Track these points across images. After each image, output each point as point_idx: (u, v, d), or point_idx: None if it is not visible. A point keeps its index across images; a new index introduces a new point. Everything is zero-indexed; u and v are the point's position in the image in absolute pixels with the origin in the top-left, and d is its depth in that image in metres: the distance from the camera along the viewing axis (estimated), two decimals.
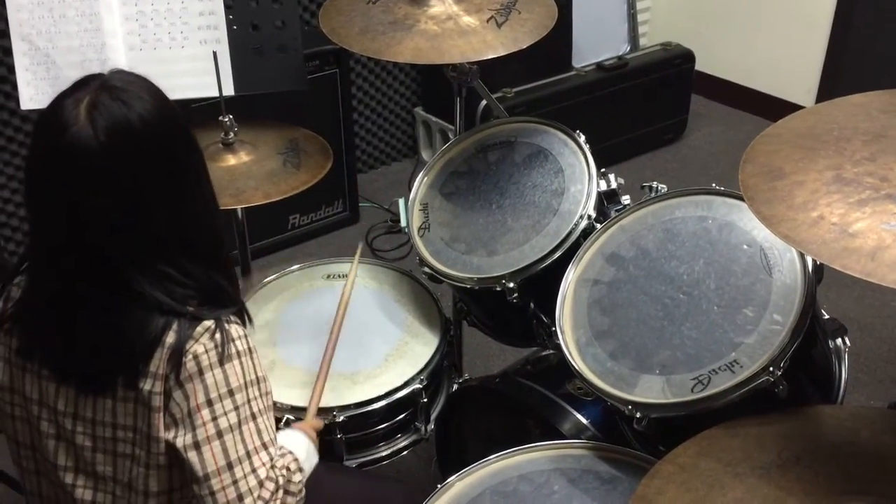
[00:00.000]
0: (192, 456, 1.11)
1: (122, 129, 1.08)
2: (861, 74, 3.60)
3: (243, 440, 1.13)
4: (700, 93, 4.05)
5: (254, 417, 1.15)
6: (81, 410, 1.17)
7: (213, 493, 1.11)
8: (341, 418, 1.61)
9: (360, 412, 1.64)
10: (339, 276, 1.96)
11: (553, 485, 1.39)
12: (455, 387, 1.83)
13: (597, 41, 3.72)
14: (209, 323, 1.13)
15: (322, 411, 1.58)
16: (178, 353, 1.11)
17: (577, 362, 1.45)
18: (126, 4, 1.87)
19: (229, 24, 1.91)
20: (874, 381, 2.55)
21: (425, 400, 1.71)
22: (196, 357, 1.11)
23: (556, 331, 1.50)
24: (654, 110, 3.75)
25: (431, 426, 1.77)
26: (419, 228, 1.81)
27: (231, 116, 1.89)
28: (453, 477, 1.41)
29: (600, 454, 1.44)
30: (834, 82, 3.70)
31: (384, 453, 1.73)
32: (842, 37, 3.67)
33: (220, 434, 1.12)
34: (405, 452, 1.76)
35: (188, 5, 1.89)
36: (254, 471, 1.13)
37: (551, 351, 1.84)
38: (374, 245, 3.27)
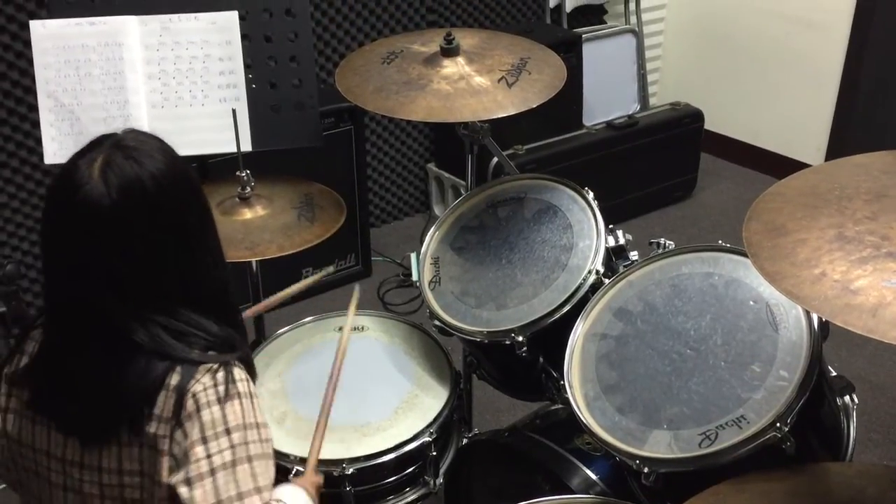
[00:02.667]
0: (183, 492, 1.10)
1: (134, 187, 1.11)
2: (869, 134, 3.65)
3: (236, 480, 1.11)
4: (710, 151, 4.10)
5: (250, 460, 1.13)
6: (88, 459, 1.18)
7: None
8: (350, 470, 1.62)
9: (370, 465, 1.64)
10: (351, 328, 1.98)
11: None
12: (465, 440, 1.83)
13: (607, 100, 3.79)
14: (210, 363, 1.14)
15: (330, 463, 1.59)
16: (180, 394, 1.12)
17: (586, 417, 1.46)
18: (150, 63, 1.93)
19: (248, 82, 1.97)
20: (888, 440, 2.53)
21: (434, 453, 1.72)
22: (195, 395, 1.12)
23: (564, 385, 1.52)
24: (663, 168, 3.79)
25: (440, 480, 1.77)
26: (430, 282, 1.83)
27: (248, 171, 1.94)
28: None
29: None
30: (843, 142, 3.74)
31: None
32: (849, 97, 3.73)
33: (213, 472, 1.10)
34: None
35: (209, 65, 1.96)
36: None
37: (560, 405, 1.84)
38: (385, 299, 3.29)
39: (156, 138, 1.18)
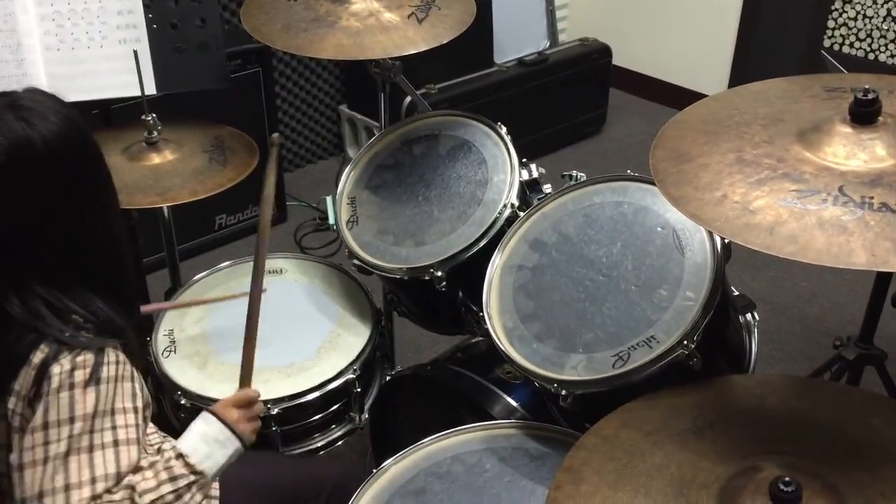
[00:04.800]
0: (16, 477, 1.07)
1: (24, 149, 1.07)
2: (768, 65, 3.77)
3: (66, 471, 1.06)
4: (618, 87, 4.17)
5: (90, 450, 1.08)
6: None
7: None
8: (275, 411, 1.63)
9: (295, 404, 1.66)
10: (269, 271, 1.96)
11: (485, 464, 1.44)
12: (388, 377, 1.86)
13: (517, 37, 3.79)
14: (78, 343, 1.10)
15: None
16: (39, 373, 1.08)
17: (505, 346, 1.50)
18: (41, 4, 1.84)
19: (149, 22, 1.90)
20: (787, 357, 2.69)
21: (359, 390, 1.75)
22: (50, 377, 1.08)
23: (483, 316, 1.55)
24: (574, 104, 3.84)
25: (365, 416, 1.80)
26: (347, 222, 1.83)
27: (154, 115, 1.89)
28: (389, 461, 1.45)
29: (530, 433, 1.50)
30: (743, 73, 3.87)
31: (319, 444, 1.76)
32: (750, 30, 3.84)
33: (45, 460, 1.07)
34: (340, 443, 1.79)
35: (105, 4, 1.88)
36: None
37: (480, 338, 1.89)
38: (302, 243, 3.27)
39: (56, 99, 1.14)
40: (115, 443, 1.10)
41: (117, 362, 1.12)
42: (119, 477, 1.09)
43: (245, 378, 1.40)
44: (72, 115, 1.13)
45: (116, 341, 1.14)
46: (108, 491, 1.08)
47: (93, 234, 1.15)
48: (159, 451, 1.20)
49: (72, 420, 1.08)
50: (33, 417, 1.08)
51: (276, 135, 1.63)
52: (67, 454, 1.07)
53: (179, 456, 1.19)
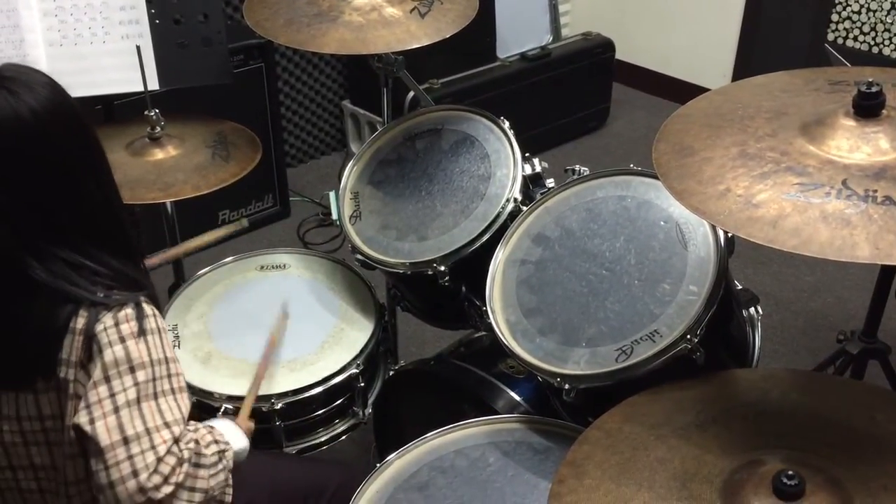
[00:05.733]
0: (89, 430, 1.08)
1: (11, 120, 1.08)
2: (771, 59, 3.76)
3: (142, 416, 1.09)
4: (621, 81, 4.16)
5: (156, 396, 1.11)
6: (6, 410, 1.17)
7: (107, 468, 1.07)
8: (279, 405, 1.64)
9: (298, 398, 1.66)
10: (272, 266, 1.97)
11: (488, 458, 1.44)
12: (391, 372, 1.87)
13: (520, 32, 3.78)
14: (114, 300, 1.13)
15: (259, 399, 1.60)
16: (87, 337, 1.11)
17: (508, 340, 1.50)
18: (44, 0, 1.84)
19: (151, 18, 1.91)
20: (791, 351, 2.68)
21: (362, 385, 1.75)
22: (98, 336, 1.10)
23: (486, 311, 1.55)
24: (577, 99, 3.84)
25: (369, 410, 1.81)
26: (350, 217, 1.83)
27: (157, 111, 1.89)
28: (392, 455, 1.45)
29: (533, 427, 1.50)
30: (747, 67, 3.86)
31: (323, 439, 1.76)
32: (753, 24, 3.83)
33: (116, 410, 1.09)
34: (343, 438, 1.79)
35: (108, 0, 1.88)
36: (153, 447, 1.08)
37: (484, 332, 1.89)
38: (305, 238, 3.27)
39: (39, 72, 1.15)
40: (173, 390, 1.14)
41: (154, 315, 1.16)
42: (185, 421, 1.14)
43: (248, 409, 1.51)
44: (55, 83, 1.14)
45: (144, 293, 1.17)
46: (182, 437, 1.12)
47: (91, 195, 1.17)
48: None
49: (132, 370, 1.10)
50: (91, 375, 1.10)
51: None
52: (139, 401, 1.10)
53: (211, 428, 1.24)
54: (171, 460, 1.09)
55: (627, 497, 1.12)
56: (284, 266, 1.98)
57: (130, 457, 1.07)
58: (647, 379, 1.36)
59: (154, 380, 1.12)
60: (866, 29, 3.53)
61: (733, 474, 1.13)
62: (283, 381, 1.67)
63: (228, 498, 1.32)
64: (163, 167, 1.85)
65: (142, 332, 1.12)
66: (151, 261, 1.66)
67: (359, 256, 1.79)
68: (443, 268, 1.67)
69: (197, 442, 1.15)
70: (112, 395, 1.09)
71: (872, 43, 3.54)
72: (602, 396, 1.38)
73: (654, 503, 1.11)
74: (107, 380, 1.10)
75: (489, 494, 1.38)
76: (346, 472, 1.58)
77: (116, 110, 2.12)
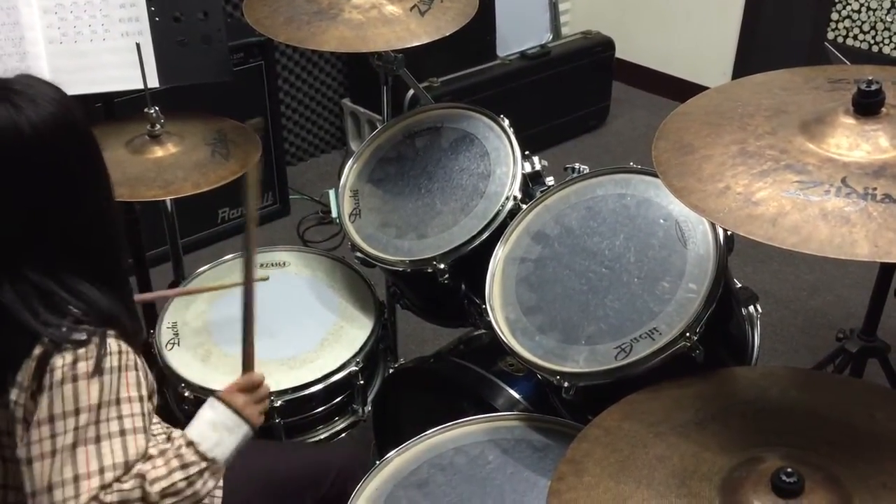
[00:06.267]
0: (25, 470, 1.08)
1: (10, 133, 1.07)
2: (771, 58, 3.76)
3: (74, 462, 1.07)
4: (621, 80, 4.16)
5: (97, 440, 1.09)
6: None
7: None
8: (279, 403, 1.64)
9: (298, 396, 1.66)
10: (271, 264, 1.97)
11: (488, 455, 1.44)
12: (391, 370, 1.87)
13: (520, 30, 3.78)
14: (80, 336, 1.10)
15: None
16: (41, 366, 1.08)
17: (508, 338, 1.51)
18: None
19: (151, 15, 1.90)
20: (790, 350, 2.68)
21: (362, 382, 1.75)
22: (53, 370, 1.08)
23: (486, 309, 1.55)
24: (576, 97, 3.84)
25: (369, 408, 1.81)
26: (350, 215, 1.84)
27: (157, 108, 1.89)
28: (392, 452, 1.45)
29: (532, 425, 1.50)
30: (747, 66, 3.85)
31: (322, 436, 1.77)
32: (753, 22, 3.83)
33: (53, 453, 1.07)
34: (343, 435, 1.80)
35: None
36: (76, 496, 1.06)
37: (483, 330, 1.89)
38: (305, 236, 3.27)
39: (48, 84, 1.13)
40: (122, 432, 1.11)
41: (120, 352, 1.12)
42: (128, 466, 1.10)
43: (248, 362, 1.40)
44: (63, 99, 1.13)
45: (115, 331, 1.14)
46: (118, 480, 1.09)
47: (84, 218, 1.15)
48: (169, 439, 1.21)
49: (77, 412, 1.08)
50: (37, 410, 1.08)
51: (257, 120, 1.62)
52: (75, 445, 1.08)
53: (189, 444, 1.19)
54: None
55: (626, 494, 1.13)
56: (284, 264, 1.98)
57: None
58: (646, 377, 1.36)
59: (97, 422, 1.09)
60: (866, 28, 3.53)
61: (732, 472, 1.13)
62: (283, 378, 1.67)
63: (218, 501, 1.31)
64: (163, 165, 1.84)
65: (98, 372, 1.09)
66: (143, 297, 1.62)
67: (358, 254, 1.79)
68: (442, 266, 1.67)
69: (142, 477, 1.11)
70: (52, 437, 1.08)
71: (872, 42, 3.54)
72: (601, 394, 1.39)
73: (654, 500, 1.11)
74: (50, 420, 1.08)
75: (488, 492, 1.38)
76: (346, 456, 1.56)
77: (116, 108, 2.12)
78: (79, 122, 1.14)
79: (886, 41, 3.50)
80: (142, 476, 1.11)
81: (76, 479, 1.07)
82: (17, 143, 1.08)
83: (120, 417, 1.11)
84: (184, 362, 1.71)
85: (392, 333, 2.09)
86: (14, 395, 1.10)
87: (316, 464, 1.55)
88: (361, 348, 1.75)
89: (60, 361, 1.08)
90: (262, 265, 1.98)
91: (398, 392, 1.85)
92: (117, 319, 1.16)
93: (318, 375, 1.68)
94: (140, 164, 1.84)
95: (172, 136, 1.91)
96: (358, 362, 1.72)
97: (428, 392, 1.84)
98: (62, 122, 1.11)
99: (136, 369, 1.15)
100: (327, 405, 1.74)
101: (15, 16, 1.82)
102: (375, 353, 1.83)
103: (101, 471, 1.08)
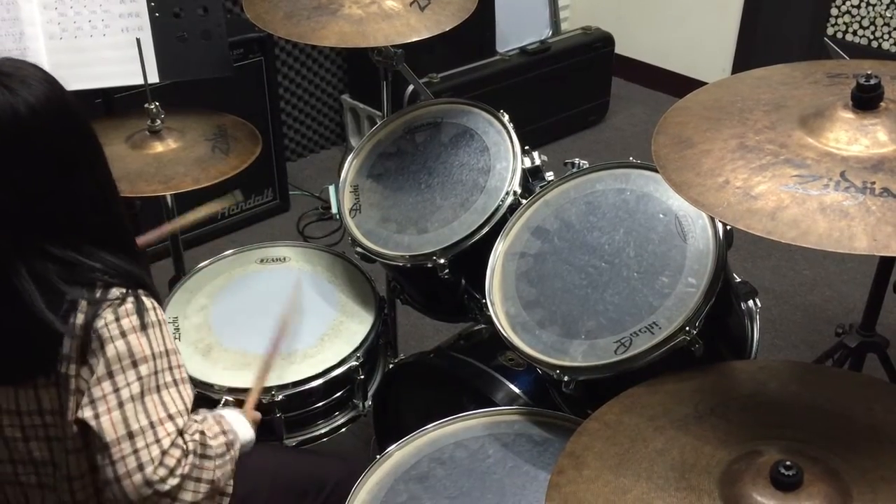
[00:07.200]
0: (94, 425, 1.10)
1: (7, 116, 1.08)
2: (771, 54, 3.76)
3: (146, 410, 1.11)
4: (620, 75, 4.16)
5: (158, 389, 1.13)
6: (6, 404, 1.17)
7: (112, 463, 1.09)
8: (280, 397, 1.64)
9: (298, 391, 1.67)
10: (272, 259, 1.98)
11: (488, 449, 1.45)
12: (391, 365, 1.87)
13: (519, 26, 3.78)
14: (114, 296, 1.13)
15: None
16: (87, 333, 1.11)
17: (508, 333, 1.51)
18: None
19: (151, 11, 1.91)
20: (789, 345, 2.69)
21: (362, 377, 1.75)
22: (98, 332, 1.11)
23: (486, 304, 1.56)
24: (576, 93, 3.84)
25: (369, 403, 1.81)
26: (350, 210, 1.84)
27: (157, 104, 1.89)
28: (392, 447, 1.45)
29: (532, 419, 1.51)
30: (746, 62, 3.85)
31: (323, 431, 1.77)
32: (752, 18, 3.83)
33: (120, 405, 1.10)
34: (343, 430, 1.80)
35: None
36: (157, 441, 1.10)
37: (483, 325, 1.90)
38: (305, 232, 3.28)
39: (34, 66, 1.15)
40: (175, 382, 1.16)
41: (154, 308, 1.17)
42: (188, 412, 1.15)
43: (254, 399, 1.49)
44: (52, 79, 1.14)
45: (144, 288, 1.18)
46: (186, 429, 1.14)
47: (89, 191, 1.17)
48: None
49: (135, 364, 1.12)
50: (94, 371, 1.11)
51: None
52: (142, 395, 1.11)
53: (219, 417, 1.25)
54: (176, 452, 1.11)
55: (626, 488, 1.13)
56: (284, 259, 1.98)
57: (136, 451, 1.09)
58: (646, 371, 1.36)
59: (156, 373, 1.13)
60: (865, 23, 3.53)
61: (732, 465, 1.14)
62: (284, 373, 1.68)
63: (230, 489, 1.33)
64: (163, 160, 1.85)
65: (143, 326, 1.13)
66: (146, 237, 1.64)
67: (358, 249, 1.79)
68: (442, 260, 1.67)
69: (203, 433, 1.16)
70: (116, 391, 1.10)
71: (872, 37, 3.54)
72: (601, 388, 1.39)
73: (653, 494, 1.12)
74: (110, 375, 1.11)
75: (488, 486, 1.38)
76: (346, 466, 1.58)
77: (116, 103, 2.12)
78: (68, 98, 1.16)
79: (886, 36, 3.50)
80: (202, 432, 1.16)
81: (152, 425, 1.10)
82: (14, 125, 1.09)
83: (170, 368, 1.16)
84: (185, 356, 1.69)
85: (392, 328, 2.10)
86: (64, 368, 1.12)
87: (316, 470, 1.57)
88: (362, 343, 1.75)
89: (103, 322, 1.11)
90: (262, 260, 1.98)
91: (398, 387, 1.85)
92: (143, 280, 1.20)
93: (319, 370, 1.69)
94: (140, 160, 1.85)
95: (172, 131, 1.92)
96: (358, 357, 1.73)
97: (428, 387, 1.85)
98: (55, 100, 1.13)
99: (167, 323, 1.19)
100: (328, 400, 1.74)
101: (15, 11, 1.82)
102: (376, 348, 1.83)
103: (171, 417, 1.12)
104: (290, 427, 1.72)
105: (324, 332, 1.78)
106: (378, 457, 1.44)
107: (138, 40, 1.86)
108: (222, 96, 2.24)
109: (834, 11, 3.60)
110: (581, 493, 1.13)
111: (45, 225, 1.13)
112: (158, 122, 1.89)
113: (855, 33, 3.58)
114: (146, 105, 1.88)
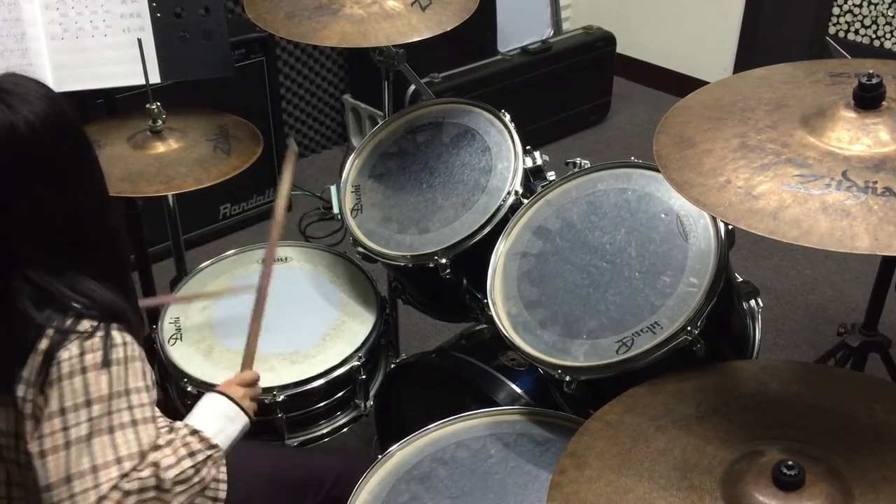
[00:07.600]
0: (38, 465, 1.08)
1: (6, 133, 1.07)
2: (773, 53, 3.76)
3: (91, 454, 1.08)
4: (622, 75, 4.16)
5: (111, 430, 1.09)
6: None
7: None
8: (281, 397, 1.64)
9: (300, 391, 1.67)
10: (273, 260, 1.97)
11: (489, 449, 1.45)
12: (392, 365, 1.87)
13: (521, 26, 3.78)
14: (84, 328, 1.10)
15: (261, 391, 1.60)
16: (47, 360, 1.09)
17: (510, 333, 1.51)
18: None
19: (152, 11, 1.91)
20: (791, 344, 2.69)
21: (363, 377, 1.75)
22: (60, 363, 1.08)
23: (487, 303, 1.56)
24: (578, 93, 3.83)
25: (370, 402, 1.81)
26: (352, 210, 1.84)
27: (159, 104, 1.89)
28: (394, 447, 1.45)
29: (534, 419, 1.51)
30: (748, 61, 3.85)
31: (324, 431, 1.77)
32: (754, 18, 3.82)
33: (67, 445, 1.07)
34: (345, 430, 1.80)
35: None
36: (96, 486, 1.07)
37: (485, 325, 1.89)
38: (307, 232, 3.28)
39: (36, 82, 1.14)
40: (134, 422, 1.12)
41: (124, 343, 1.13)
42: (142, 455, 1.11)
43: (248, 360, 1.46)
44: (53, 96, 1.13)
45: (118, 324, 1.14)
46: (135, 469, 1.10)
47: (82, 214, 1.15)
48: (171, 429, 1.21)
49: (88, 403, 1.09)
50: (48, 404, 1.08)
51: (292, 142, 1.70)
52: (90, 436, 1.08)
53: (194, 432, 1.21)
54: (116, 495, 1.08)
55: (628, 487, 1.13)
56: (286, 259, 1.98)
57: (72, 496, 1.06)
58: (647, 370, 1.36)
59: (110, 413, 1.10)
60: (867, 22, 3.53)
61: (733, 465, 1.13)
62: (285, 373, 1.68)
63: (223, 494, 1.32)
64: (164, 160, 1.85)
65: (105, 364, 1.10)
66: (147, 301, 1.64)
67: (360, 249, 1.79)
68: (444, 260, 1.67)
69: (156, 465, 1.12)
70: (65, 429, 1.08)
71: (874, 36, 3.53)
72: (603, 388, 1.39)
73: (655, 493, 1.11)
74: (62, 412, 1.08)
75: (490, 486, 1.38)
76: (346, 462, 1.58)
77: (118, 104, 2.12)
78: (70, 118, 1.15)
79: (888, 36, 3.50)
80: (155, 464, 1.12)
81: (94, 469, 1.07)
82: (14, 143, 1.08)
83: (130, 408, 1.12)
84: (186, 357, 1.72)
85: (394, 328, 2.10)
86: (21, 391, 1.10)
87: (315, 467, 1.56)
88: (363, 343, 1.75)
89: (67, 354, 1.08)
90: (263, 260, 1.97)
91: (400, 387, 1.85)
92: (121, 313, 1.16)
93: (320, 370, 1.69)
94: (142, 160, 1.85)
95: (174, 131, 1.92)
96: (360, 357, 1.73)
97: (429, 386, 1.85)
98: (55, 118, 1.11)
99: (141, 360, 1.16)
100: (329, 400, 1.74)
101: (16, 12, 1.82)
102: (377, 347, 1.83)
103: (119, 460, 1.09)
104: (292, 427, 1.72)
105: (325, 332, 1.78)
106: (380, 457, 1.44)
107: (140, 40, 1.86)
108: (224, 96, 2.24)
109: (836, 10, 3.60)
110: (583, 493, 1.13)
111: (32, 247, 1.11)
112: (160, 122, 1.89)
113: (857, 32, 3.57)
114: (148, 105, 1.88)
